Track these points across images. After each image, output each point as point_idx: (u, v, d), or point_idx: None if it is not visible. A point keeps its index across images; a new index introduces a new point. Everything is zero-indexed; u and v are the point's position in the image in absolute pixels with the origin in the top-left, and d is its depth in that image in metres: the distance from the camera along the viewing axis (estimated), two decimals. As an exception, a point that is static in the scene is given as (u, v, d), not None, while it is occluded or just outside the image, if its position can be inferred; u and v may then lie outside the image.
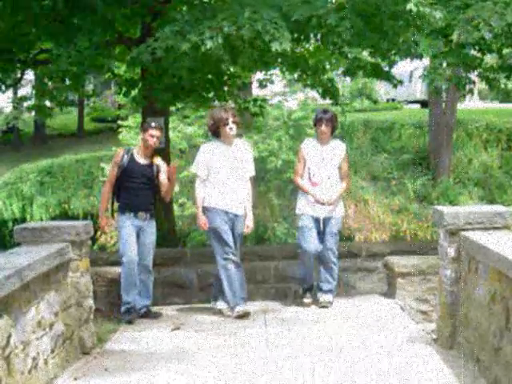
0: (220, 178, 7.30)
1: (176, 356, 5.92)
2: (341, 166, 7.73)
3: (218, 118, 7.27)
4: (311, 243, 7.61)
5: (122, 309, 7.31)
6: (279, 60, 10.36)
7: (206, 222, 7.28)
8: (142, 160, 7.43)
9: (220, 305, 7.54)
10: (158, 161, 7.52)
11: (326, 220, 7.66)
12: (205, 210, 7.31)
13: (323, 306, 7.63)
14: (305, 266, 7.73)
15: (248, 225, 7.40)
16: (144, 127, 7.47)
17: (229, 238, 7.27)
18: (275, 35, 7.38)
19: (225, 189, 7.29)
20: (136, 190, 7.36)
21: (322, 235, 7.69)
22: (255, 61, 9.98)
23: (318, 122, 7.64)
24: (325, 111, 7.78)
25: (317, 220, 7.67)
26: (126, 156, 7.42)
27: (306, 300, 7.82)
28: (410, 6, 7.79)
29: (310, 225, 7.64)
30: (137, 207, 7.36)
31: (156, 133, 7.36)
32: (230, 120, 7.24)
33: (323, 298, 7.69)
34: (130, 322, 7.20)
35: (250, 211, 7.44)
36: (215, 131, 7.37)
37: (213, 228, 7.28)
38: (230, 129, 7.25)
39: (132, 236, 7.29)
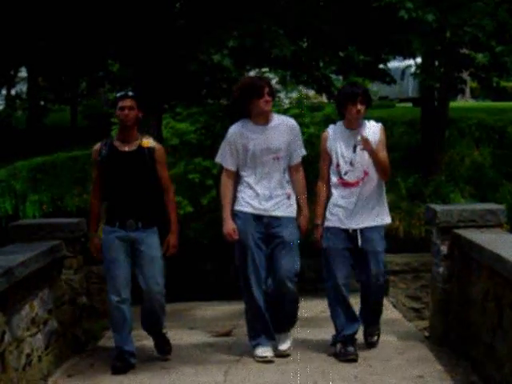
0: (251, 170, 5.50)
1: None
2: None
3: (250, 88, 5.38)
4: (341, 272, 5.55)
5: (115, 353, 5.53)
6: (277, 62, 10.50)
7: (235, 229, 5.47)
8: (125, 147, 5.40)
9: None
10: (149, 142, 5.46)
11: (363, 232, 5.51)
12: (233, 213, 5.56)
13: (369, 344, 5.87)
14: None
15: (303, 224, 5.56)
16: (113, 104, 5.58)
17: (259, 257, 5.47)
18: (275, 42, 7.54)
19: (257, 184, 5.49)
20: (123, 190, 5.36)
21: (358, 255, 5.55)
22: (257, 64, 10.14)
23: (348, 100, 5.47)
24: (356, 84, 5.71)
25: (345, 232, 5.53)
26: (104, 148, 5.44)
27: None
28: (402, 13, 7.88)
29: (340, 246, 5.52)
30: (124, 213, 5.35)
31: (125, 103, 5.32)
32: (266, 90, 5.35)
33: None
34: (117, 371, 5.32)
35: (305, 207, 5.61)
36: (244, 108, 5.47)
37: (238, 242, 5.53)
38: (266, 102, 5.35)
39: (116, 257, 5.34)
